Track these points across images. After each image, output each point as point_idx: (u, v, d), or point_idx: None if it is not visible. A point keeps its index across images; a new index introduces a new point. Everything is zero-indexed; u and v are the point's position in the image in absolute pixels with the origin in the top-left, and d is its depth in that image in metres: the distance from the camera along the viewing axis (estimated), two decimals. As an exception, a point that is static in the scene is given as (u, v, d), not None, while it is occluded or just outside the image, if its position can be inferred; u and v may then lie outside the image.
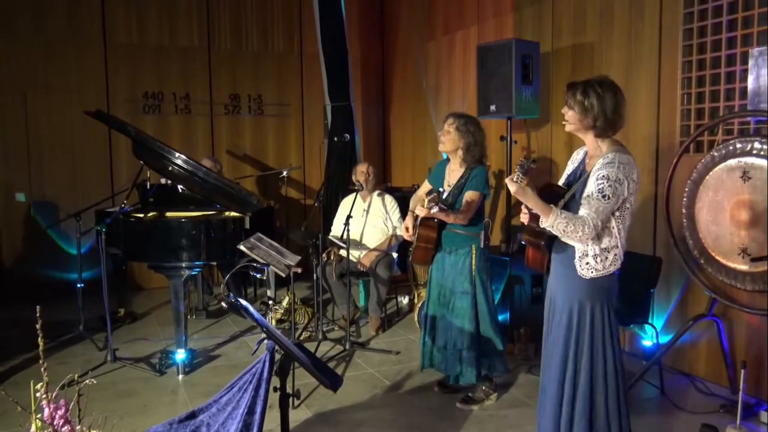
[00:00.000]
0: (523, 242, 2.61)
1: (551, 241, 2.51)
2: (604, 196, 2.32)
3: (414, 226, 3.62)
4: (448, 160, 3.73)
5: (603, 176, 2.33)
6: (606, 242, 2.40)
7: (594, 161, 2.44)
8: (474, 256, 3.50)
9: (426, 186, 3.82)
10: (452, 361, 3.57)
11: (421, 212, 3.34)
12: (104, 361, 4.22)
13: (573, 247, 2.44)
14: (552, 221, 2.31)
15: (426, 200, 3.17)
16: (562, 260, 2.51)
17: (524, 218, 2.56)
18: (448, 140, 3.56)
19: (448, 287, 3.57)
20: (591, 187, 2.35)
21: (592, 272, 2.41)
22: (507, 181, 2.36)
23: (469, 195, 3.47)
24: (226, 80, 6.81)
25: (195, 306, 5.53)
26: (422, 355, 3.72)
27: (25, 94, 6.00)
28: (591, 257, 2.41)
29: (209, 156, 6.10)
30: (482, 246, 3.52)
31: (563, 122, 2.50)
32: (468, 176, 3.53)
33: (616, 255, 2.43)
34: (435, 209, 3.15)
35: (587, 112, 2.39)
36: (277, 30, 7.02)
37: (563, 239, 2.45)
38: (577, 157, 2.63)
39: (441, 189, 3.54)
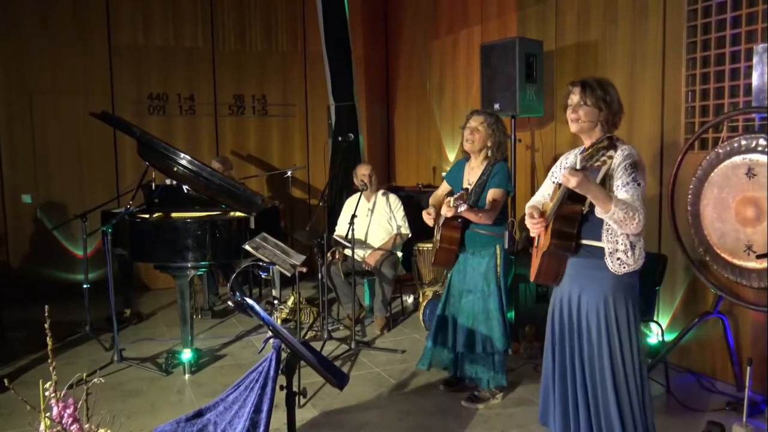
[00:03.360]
0: (529, 251, 2.55)
1: (579, 247, 2.45)
2: (638, 184, 2.34)
3: (436, 222, 3.55)
4: (465, 160, 3.67)
5: (630, 164, 2.33)
6: (633, 236, 2.40)
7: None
8: (498, 257, 3.44)
9: (444, 186, 3.74)
10: (481, 365, 3.52)
11: (448, 212, 3.23)
12: (111, 361, 4.23)
13: (601, 247, 2.42)
14: (613, 209, 2.25)
15: (452, 200, 3.08)
16: (587, 263, 2.46)
17: (536, 229, 2.52)
18: (478, 139, 3.47)
19: (469, 290, 3.50)
20: (624, 178, 2.33)
21: (624, 267, 2.40)
22: (568, 172, 2.18)
23: (493, 192, 3.41)
24: (230, 81, 6.83)
25: (201, 306, 5.55)
26: (424, 356, 3.70)
27: (31, 96, 6.03)
28: (622, 252, 2.39)
29: (218, 157, 6.11)
30: (506, 246, 3.47)
31: (576, 120, 2.46)
32: (489, 173, 3.47)
33: (640, 248, 2.43)
34: (463, 208, 3.03)
35: (609, 107, 2.41)
36: (281, 30, 7.03)
37: (605, 239, 2.40)
38: (566, 161, 2.63)
39: (467, 187, 3.43)
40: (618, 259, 2.40)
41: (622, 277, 2.42)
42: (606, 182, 2.35)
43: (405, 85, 7.27)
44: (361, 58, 7.27)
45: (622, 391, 2.44)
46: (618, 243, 2.40)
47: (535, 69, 4.57)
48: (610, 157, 2.14)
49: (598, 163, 2.14)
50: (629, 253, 2.40)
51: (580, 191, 2.23)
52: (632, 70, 4.24)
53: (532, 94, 4.58)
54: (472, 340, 3.48)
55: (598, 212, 2.32)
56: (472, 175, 3.57)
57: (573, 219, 2.41)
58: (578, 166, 2.16)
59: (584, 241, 2.46)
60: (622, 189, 2.33)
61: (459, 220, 3.44)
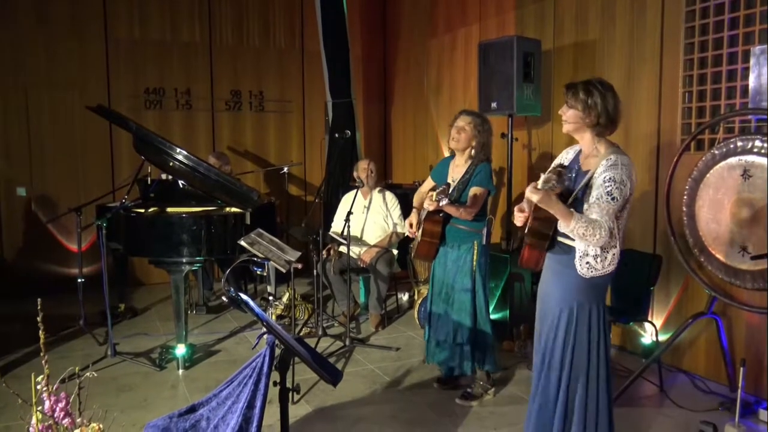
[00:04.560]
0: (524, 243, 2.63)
1: (552, 244, 2.52)
2: (613, 198, 2.35)
3: (418, 222, 3.63)
4: (451, 157, 3.74)
5: (610, 178, 2.35)
6: (606, 243, 2.42)
7: (591, 161, 2.46)
8: (475, 252, 3.52)
9: (429, 183, 3.81)
10: (451, 355, 3.61)
11: (430, 206, 3.33)
12: (104, 356, 4.22)
13: (573, 248, 2.46)
14: (573, 226, 2.33)
15: (434, 194, 3.16)
16: (560, 260, 2.52)
17: (520, 221, 2.57)
18: (464, 138, 3.55)
19: (448, 283, 3.59)
20: (599, 190, 2.37)
21: (592, 272, 2.44)
22: (529, 189, 2.32)
23: (474, 190, 3.49)
24: (227, 76, 6.81)
25: (195, 301, 5.54)
26: (426, 350, 3.76)
27: (26, 89, 6.00)
28: (591, 257, 2.43)
29: (215, 152, 6.09)
30: (484, 242, 3.54)
31: (563, 121, 2.52)
32: (473, 172, 3.54)
33: (614, 255, 2.46)
34: (444, 201, 3.14)
35: (590, 110, 2.42)
36: (279, 26, 7.02)
37: (577, 241, 2.45)
38: (567, 156, 2.65)
39: (450, 182, 3.53)
40: (587, 263, 2.44)
41: (589, 279, 2.46)
42: (586, 190, 2.42)
43: (402, 82, 7.26)
44: (359, 56, 7.26)
45: (590, 389, 2.49)
46: (589, 247, 2.43)
47: (533, 68, 4.57)
48: (552, 189, 2.33)
49: (548, 188, 2.32)
50: (599, 259, 2.44)
51: (543, 206, 2.35)
52: (630, 70, 4.24)
53: (530, 93, 4.57)
54: (447, 330, 3.59)
55: (561, 227, 2.40)
56: (456, 172, 3.63)
57: (550, 221, 2.47)
58: (539, 186, 2.32)
59: (560, 238, 2.51)
60: (594, 202, 2.37)
61: (441, 215, 3.52)
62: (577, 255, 2.45)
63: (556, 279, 2.55)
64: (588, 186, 2.41)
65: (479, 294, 3.53)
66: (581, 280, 2.46)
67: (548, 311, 2.57)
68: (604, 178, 2.36)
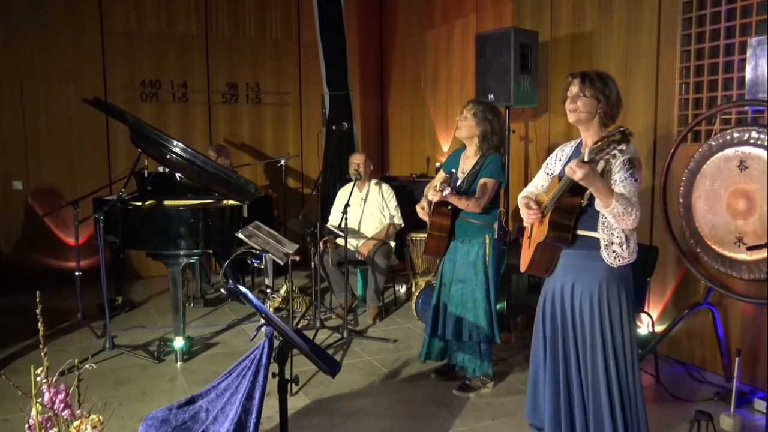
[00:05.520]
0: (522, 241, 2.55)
1: (575, 238, 2.46)
2: (636, 180, 2.37)
3: (429, 216, 3.57)
4: (462, 149, 3.68)
5: (628, 160, 2.36)
6: (627, 229, 2.41)
7: None
8: (488, 246, 3.46)
9: (440, 176, 3.72)
10: (468, 353, 3.56)
11: (434, 197, 3.27)
12: (102, 349, 4.22)
13: (596, 239, 2.43)
14: (613, 204, 2.27)
15: (438, 184, 3.10)
16: (581, 254, 2.47)
17: (533, 220, 2.53)
18: (465, 126, 3.50)
19: (458, 279, 3.52)
20: (621, 173, 2.35)
21: (619, 260, 2.42)
22: (574, 164, 2.17)
23: (483, 181, 3.42)
24: (223, 68, 6.78)
25: (193, 294, 5.54)
26: (423, 347, 3.72)
27: (21, 82, 5.97)
28: (617, 245, 2.41)
29: (214, 146, 6.06)
30: (495, 236, 3.48)
31: (574, 111, 2.44)
32: (483, 163, 3.48)
33: (634, 241, 2.46)
34: (447, 191, 3.08)
35: (607, 99, 2.42)
36: (275, 18, 6.99)
37: (600, 230, 2.42)
38: (562, 153, 2.64)
39: (454, 170, 3.44)
40: (613, 251, 2.42)
41: (616, 268, 2.44)
42: (603, 176, 2.35)
43: (399, 74, 7.25)
44: (356, 47, 7.24)
45: (613, 379, 2.45)
46: (614, 235, 2.41)
47: (530, 60, 4.56)
48: (621, 151, 2.11)
49: (608, 156, 2.11)
50: (624, 246, 2.42)
51: (585, 184, 2.24)
52: (627, 61, 4.24)
53: (527, 84, 4.57)
54: (460, 328, 3.51)
55: (598, 205, 2.33)
56: (466, 164, 3.58)
57: (571, 211, 2.41)
58: (586, 159, 2.13)
59: (580, 232, 2.45)
60: (620, 184, 2.35)
61: (449, 207, 3.46)
62: (602, 245, 2.41)
63: (581, 273, 2.47)
64: (603, 174, 2.36)
65: (492, 290, 3.47)
66: (608, 269, 2.42)
67: (574, 308, 2.50)
68: (624, 161, 2.35)
